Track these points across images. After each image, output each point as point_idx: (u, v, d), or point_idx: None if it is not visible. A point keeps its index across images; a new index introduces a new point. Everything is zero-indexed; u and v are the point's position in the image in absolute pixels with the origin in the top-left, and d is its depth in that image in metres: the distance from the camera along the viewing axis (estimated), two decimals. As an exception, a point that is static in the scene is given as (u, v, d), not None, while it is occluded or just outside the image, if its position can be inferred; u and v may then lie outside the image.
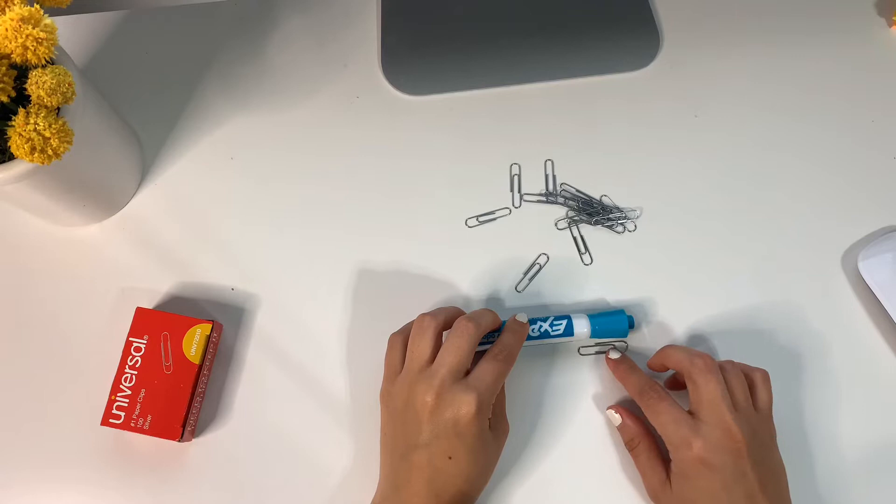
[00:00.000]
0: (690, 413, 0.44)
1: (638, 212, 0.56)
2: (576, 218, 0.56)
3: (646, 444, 0.47)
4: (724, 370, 0.45)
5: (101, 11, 0.66)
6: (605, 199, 0.57)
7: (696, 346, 0.52)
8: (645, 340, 0.52)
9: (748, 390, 0.46)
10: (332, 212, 0.58)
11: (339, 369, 0.53)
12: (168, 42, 0.65)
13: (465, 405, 0.42)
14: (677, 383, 0.50)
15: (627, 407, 0.49)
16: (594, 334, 0.50)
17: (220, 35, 0.65)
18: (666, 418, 0.44)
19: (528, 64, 0.62)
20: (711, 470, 0.42)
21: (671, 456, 0.44)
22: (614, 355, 0.50)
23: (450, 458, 0.42)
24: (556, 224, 0.57)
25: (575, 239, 0.56)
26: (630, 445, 0.48)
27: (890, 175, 0.57)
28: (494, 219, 0.57)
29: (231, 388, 0.52)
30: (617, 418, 0.49)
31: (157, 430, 0.48)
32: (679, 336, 0.52)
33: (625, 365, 0.49)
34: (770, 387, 0.46)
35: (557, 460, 0.50)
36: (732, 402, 0.44)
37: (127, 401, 0.48)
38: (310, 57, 0.64)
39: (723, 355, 0.52)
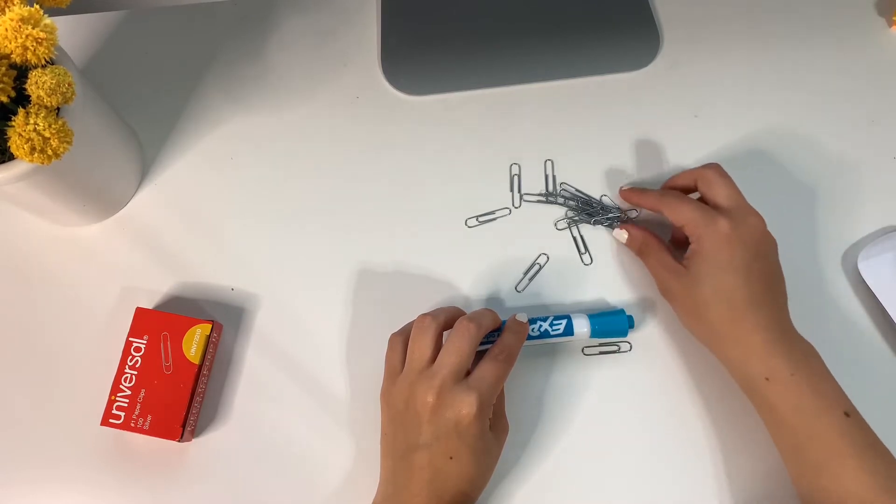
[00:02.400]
0: None
1: (637, 211, 0.56)
2: (576, 218, 0.56)
3: (655, 242, 0.51)
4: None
5: (101, 11, 0.66)
6: (604, 199, 0.57)
7: (695, 347, 0.52)
8: (645, 340, 0.52)
9: None
10: (332, 212, 0.58)
11: (339, 369, 0.53)
12: (168, 42, 0.65)
13: (465, 405, 0.42)
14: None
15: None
16: (594, 334, 0.50)
17: (220, 35, 0.65)
18: (688, 208, 0.48)
19: (527, 64, 0.62)
20: (734, 245, 0.46)
21: (692, 240, 0.48)
22: (625, 186, 0.55)
23: (451, 458, 0.42)
24: (555, 224, 0.57)
25: (575, 239, 0.56)
26: (642, 250, 0.52)
27: (890, 175, 0.57)
28: (494, 219, 0.57)
29: (231, 388, 0.52)
30: (623, 233, 0.53)
31: (157, 431, 0.48)
32: (678, 335, 0.52)
33: (636, 189, 0.54)
34: None
35: (558, 460, 0.50)
36: None
37: (127, 401, 0.48)
38: (310, 57, 0.64)
39: (723, 355, 0.52)
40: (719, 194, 0.48)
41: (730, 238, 0.46)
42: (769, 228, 0.48)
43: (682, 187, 0.52)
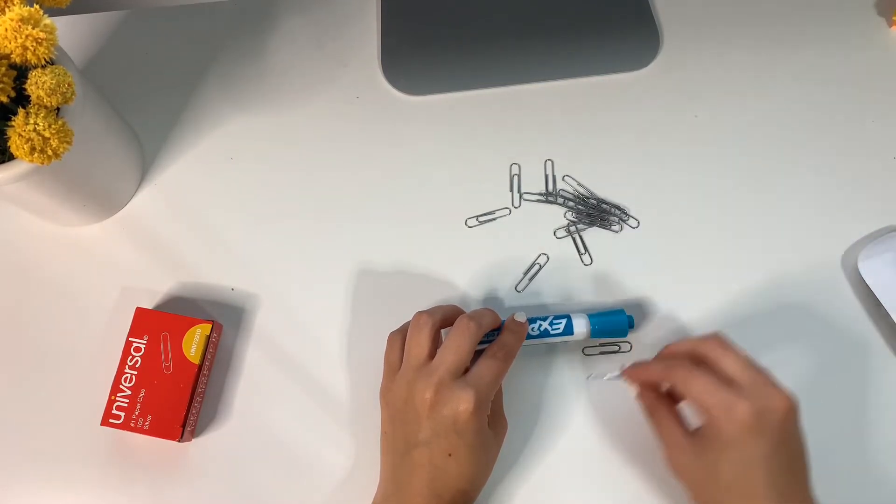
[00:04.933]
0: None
1: (632, 217, 0.56)
2: (575, 218, 0.56)
3: (664, 408, 0.45)
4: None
5: (101, 11, 0.66)
6: (604, 199, 0.57)
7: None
8: (645, 340, 0.52)
9: None
10: (331, 212, 0.58)
11: (339, 369, 0.53)
12: (168, 42, 0.65)
13: (463, 402, 0.42)
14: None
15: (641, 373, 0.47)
16: (594, 334, 0.50)
17: (220, 35, 0.65)
18: (703, 385, 0.41)
19: (528, 64, 0.62)
20: (756, 435, 0.40)
21: (706, 420, 0.41)
22: (625, 366, 0.47)
23: (450, 455, 0.42)
24: (555, 233, 0.57)
25: (574, 239, 0.56)
26: (650, 412, 0.46)
27: (890, 175, 0.57)
28: (494, 219, 0.57)
29: (231, 388, 0.52)
30: (632, 389, 0.46)
31: (157, 431, 0.48)
32: (678, 335, 0.52)
33: (638, 365, 0.47)
34: None
35: (557, 460, 0.50)
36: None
37: (127, 401, 0.48)
38: (310, 57, 0.64)
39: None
40: (732, 369, 0.42)
41: (751, 428, 0.40)
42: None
43: (683, 356, 0.45)
